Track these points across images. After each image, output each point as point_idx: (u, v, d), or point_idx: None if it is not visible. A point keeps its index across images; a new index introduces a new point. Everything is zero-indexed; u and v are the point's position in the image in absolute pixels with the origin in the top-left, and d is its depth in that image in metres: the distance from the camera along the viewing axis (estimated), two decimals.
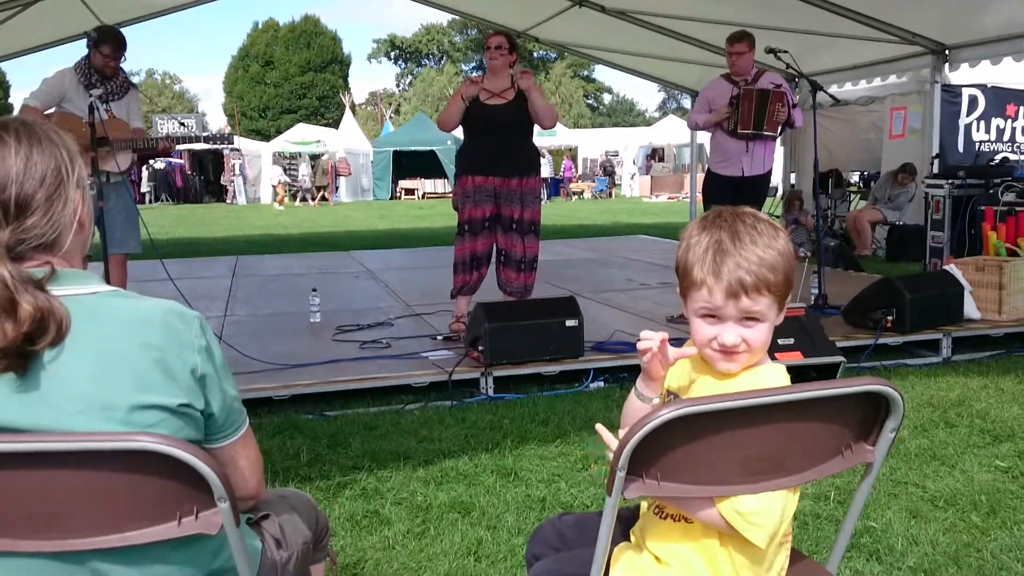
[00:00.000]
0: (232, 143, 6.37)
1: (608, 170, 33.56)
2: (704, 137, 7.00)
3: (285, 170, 29.72)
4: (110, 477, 1.22)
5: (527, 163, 5.44)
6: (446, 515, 3.11)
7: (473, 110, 5.35)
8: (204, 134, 6.61)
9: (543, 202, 27.68)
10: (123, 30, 5.57)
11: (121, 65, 5.48)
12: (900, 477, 3.41)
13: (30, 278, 1.23)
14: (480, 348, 4.69)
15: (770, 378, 1.51)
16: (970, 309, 5.68)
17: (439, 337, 5.49)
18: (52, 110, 5.41)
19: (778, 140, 6.54)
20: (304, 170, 29.09)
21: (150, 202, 29.47)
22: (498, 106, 5.34)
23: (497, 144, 5.30)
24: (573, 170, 33.39)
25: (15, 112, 5.58)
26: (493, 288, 5.56)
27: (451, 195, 5.64)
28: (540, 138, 29.37)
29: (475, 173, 5.40)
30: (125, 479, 1.22)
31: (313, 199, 28.61)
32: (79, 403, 1.23)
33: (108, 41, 5.33)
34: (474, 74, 5.60)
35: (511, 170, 5.34)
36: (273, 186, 29.30)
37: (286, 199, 28.22)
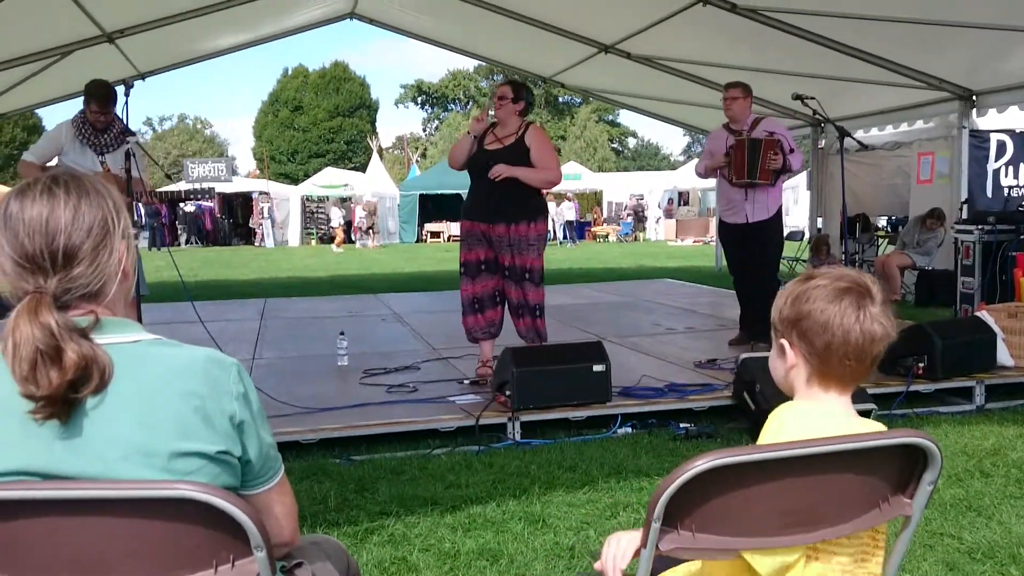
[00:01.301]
0: (212, 197, 6.48)
1: (640, 215, 33.49)
2: None
3: (351, 219, 30.08)
4: (149, 524, 1.23)
5: (516, 210, 5.28)
6: (474, 563, 3.08)
7: (475, 153, 5.41)
8: (186, 189, 6.82)
9: (569, 245, 27.62)
10: (156, 77, 5.69)
11: (119, 116, 5.53)
12: (936, 528, 3.35)
13: (75, 326, 1.26)
14: (507, 393, 4.68)
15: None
16: (1003, 356, 5.60)
17: (466, 381, 5.49)
18: (54, 162, 5.51)
19: (804, 184, 6.67)
20: (361, 212, 29.38)
21: (182, 244, 29.94)
22: (495, 151, 5.35)
23: (487, 189, 5.28)
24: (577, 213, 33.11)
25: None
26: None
27: None
28: (567, 181, 29.54)
29: (466, 218, 5.46)
30: (164, 527, 1.23)
31: (370, 239, 28.91)
32: (121, 450, 1.24)
33: (95, 97, 5.42)
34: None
35: (497, 216, 5.28)
36: (333, 228, 29.62)
37: (343, 242, 28.53)
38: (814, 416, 1.54)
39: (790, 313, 1.58)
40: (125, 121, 5.59)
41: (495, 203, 5.29)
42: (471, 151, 5.41)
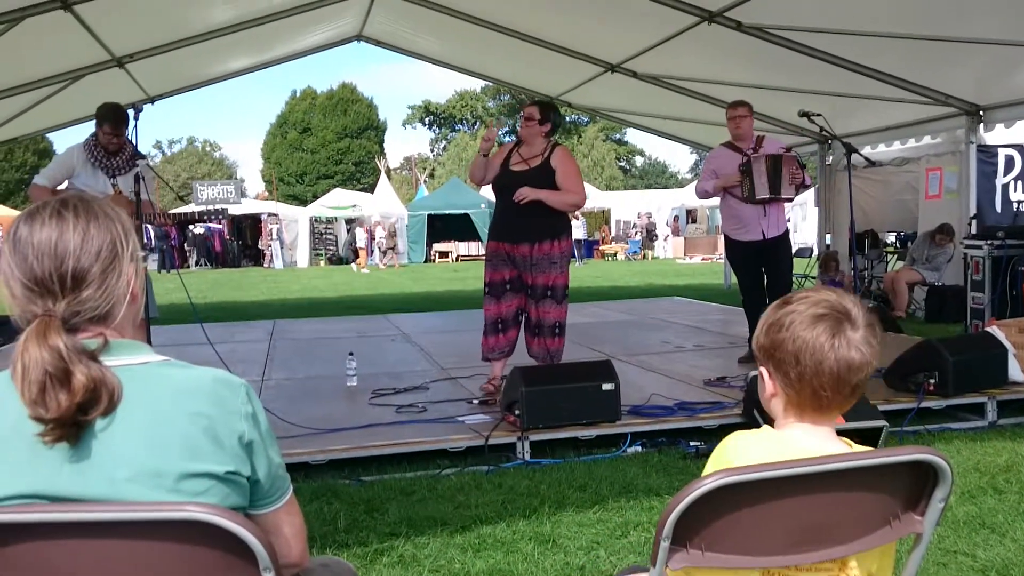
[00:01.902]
0: (224, 217, 6.44)
1: (652, 233, 33.47)
2: None
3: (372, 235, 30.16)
4: (157, 547, 1.23)
5: (540, 230, 5.33)
6: None
7: (500, 173, 5.44)
8: (199, 210, 6.82)
9: (577, 264, 27.59)
10: (165, 100, 5.73)
11: (129, 139, 5.57)
12: (948, 546, 3.32)
13: (84, 349, 1.26)
14: (516, 412, 4.67)
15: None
16: (1015, 372, 5.56)
17: (475, 401, 5.48)
18: (64, 185, 5.55)
19: (812, 201, 6.74)
20: (381, 232, 29.46)
21: (191, 266, 30.09)
22: (521, 172, 5.40)
23: (511, 210, 5.32)
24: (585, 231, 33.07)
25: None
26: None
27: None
28: None
29: (491, 238, 5.54)
30: (172, 548, 1.23)
31: (386, 259, 28.97)
32: (129, 471, 1.24)
33: (107, 119, 5.46)
34: (508, 139, 5.63)
35: (521, 236, 5.34)
36: (357, 250, 29.71)
37: (367, 262, 28.61)
38: (757, 449, 1.48)
39: (765, 342, 1.52)
40: (135, 144, 5.64)
41: (519, 224, 5.34)
42: (492, 168, 5.44)
